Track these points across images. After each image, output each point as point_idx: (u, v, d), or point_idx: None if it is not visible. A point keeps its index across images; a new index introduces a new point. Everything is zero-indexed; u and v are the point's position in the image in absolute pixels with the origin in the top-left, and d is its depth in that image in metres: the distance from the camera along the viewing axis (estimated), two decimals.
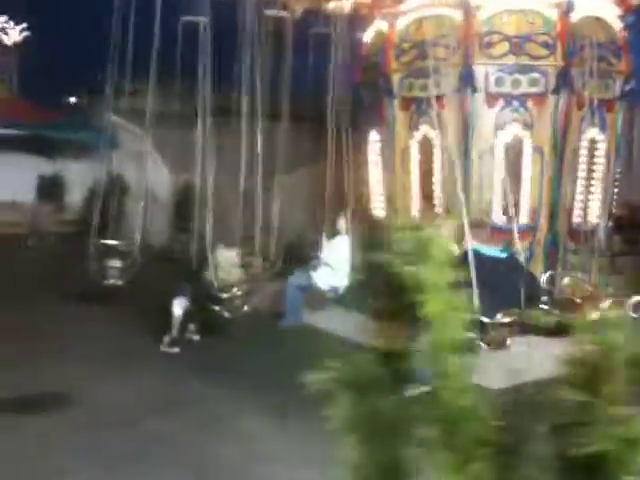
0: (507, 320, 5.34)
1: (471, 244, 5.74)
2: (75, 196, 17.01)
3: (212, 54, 9.27)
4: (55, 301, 8.60)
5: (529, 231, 7.93)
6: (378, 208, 9.27)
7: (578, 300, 7.70)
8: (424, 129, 8.19)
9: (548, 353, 4.76)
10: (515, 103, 7.72)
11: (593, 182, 8.15)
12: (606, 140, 8.05)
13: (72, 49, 23.63)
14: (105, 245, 7.73)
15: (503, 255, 5.52)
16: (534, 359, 5.07)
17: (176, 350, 6.52)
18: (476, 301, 4.74)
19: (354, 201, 9.37)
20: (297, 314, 7.49)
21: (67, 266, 11.44)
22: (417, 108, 8.19)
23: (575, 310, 7.50)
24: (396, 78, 8.27)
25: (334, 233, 8.44)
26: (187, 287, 6.69)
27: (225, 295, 6.52)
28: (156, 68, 8.20)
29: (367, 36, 9.11)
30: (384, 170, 8.87)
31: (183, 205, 15.28)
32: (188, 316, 6.66)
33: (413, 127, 8.29)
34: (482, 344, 5.23)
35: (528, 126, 7.74)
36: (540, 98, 7.68)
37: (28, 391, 5.39)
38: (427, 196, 8.36)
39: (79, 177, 16.78)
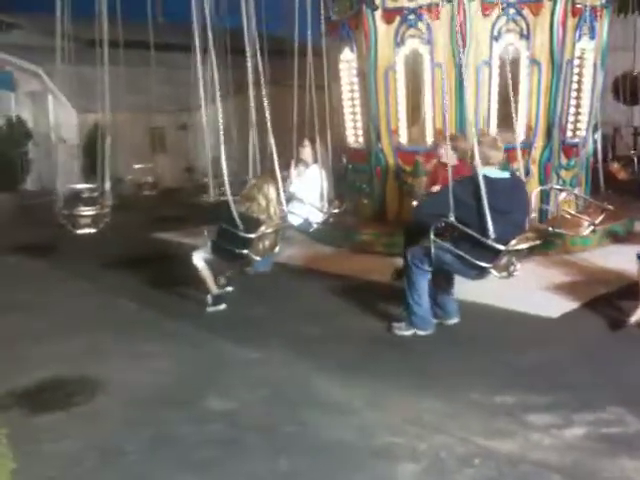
0: (522, 246, 4.78)
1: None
2: None
3: None
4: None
5: (525, 148, 7.58)
6: (352, 135, 8.60)
7: (571, 216, 7.54)
8: (412, 43, 7.52)
9: None
10: (511, 11, 7.21)
11: (582, 94, 7.89)
12: (595, 50, 7.76)
13: None
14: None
15: (506, 175, 4.89)
16: None
17: (223, 307, 5.63)
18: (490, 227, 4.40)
19: (323, 128, 8.64)
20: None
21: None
22: (403, 20, 7.47)
23: (569, 226, 7.31)
24: None
25: (298, 164, 7.67)
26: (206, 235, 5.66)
27: (253, 235, 5.41)
28: None
29: None
30: (362, 91, 8.14)
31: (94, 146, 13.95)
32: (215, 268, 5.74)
33: (399, 42, 7.57)
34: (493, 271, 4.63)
35: (525, 36, 7.28)
36: (537, 5, 7.20)
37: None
38: (416, 117, 7.78)
39: None
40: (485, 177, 4.56)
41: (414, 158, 7.79)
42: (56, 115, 15.07)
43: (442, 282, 5.13)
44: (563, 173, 7.90)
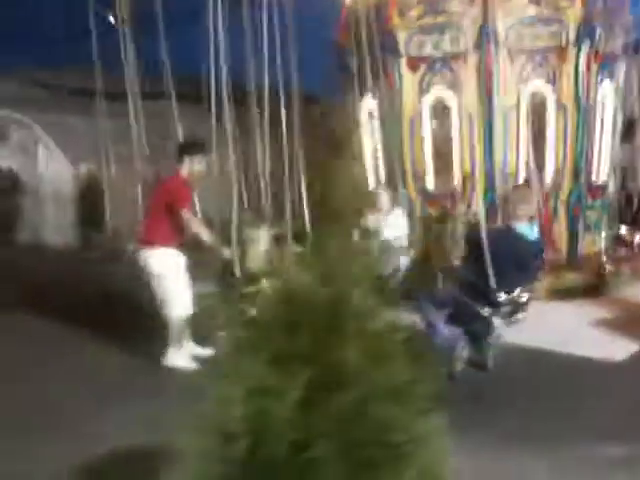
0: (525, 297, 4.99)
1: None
2: None
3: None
4: None
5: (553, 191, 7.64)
6: (374, 181, 8.56)
7: None
8: (437, 91, 7.57)
9: None
10: (537, 58, 7.32)
11: (604, 137, 8.01)
12: (615, 94, 7.92)
13: None
14: None
15: (532, 232, 5.10)
16: None
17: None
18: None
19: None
20: None
21: None
22: (429, 68, 7.53)
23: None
24: (402, 35, 7.55)
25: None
26: None
27: (251, 288, 5.32)
28: None
29: None
30: (384, 138, 8.14)
31: (89, 198, 13.72)
32: None
33: (424, 89, 7.62)
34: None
35: (551, 81, 7.39)
36: (562, 51, 7.34)
37: None
38: (443, 166, 7.78)
39: None
40: (513, 231, 4.84)
41: (440, 204, 7.78)
42: (49, 167, 14.83)
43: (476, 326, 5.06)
44: (589, 214, 7.95)
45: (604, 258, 7.10)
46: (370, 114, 8.31)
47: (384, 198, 6.77)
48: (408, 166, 7.88)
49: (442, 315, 5.02)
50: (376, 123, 8.27)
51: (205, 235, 5.30)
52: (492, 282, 4.69)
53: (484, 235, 4.73)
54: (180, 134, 8.42)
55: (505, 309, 4.94)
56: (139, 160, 10.78)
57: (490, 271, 4.67)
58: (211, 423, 1.29)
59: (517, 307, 5.03)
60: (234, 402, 1.26)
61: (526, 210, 5.08)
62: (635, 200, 9.40)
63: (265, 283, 5.41)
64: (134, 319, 6.37)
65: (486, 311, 4.82)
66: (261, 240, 5.86)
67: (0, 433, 4.14)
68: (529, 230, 5.02)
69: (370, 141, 8.45)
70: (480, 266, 4.75)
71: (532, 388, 4.74)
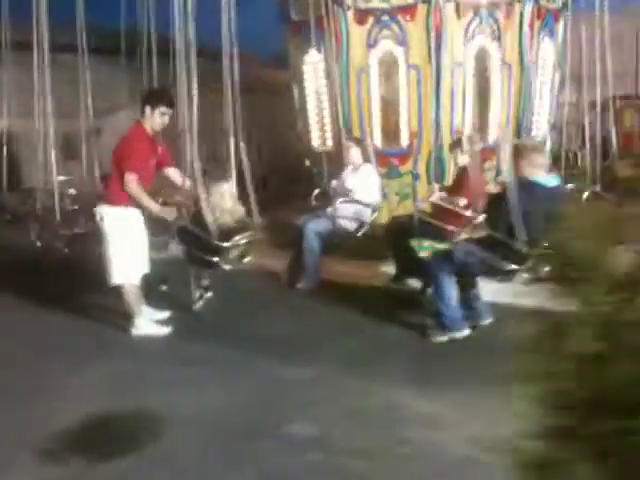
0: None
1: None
2: None
3: None
4: None
5: (494, 149, 7.72)
6: (319, 138, 8.41)
7: None
8: (385, 45, 7.44)
9: None
10: (484, 13, 7.29)
11: (543, 94, 8.15)
12: (554, 51, 8.05)
13: None
14: None
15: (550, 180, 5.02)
16: None
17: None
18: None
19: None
20: (318, 271, 6.28)
21: None
22: (377, 21, 7.38)
23: None
24: None
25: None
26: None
27: (225, 244, 5.12)
28: None
29: None
30: (331, 94, 7.97)
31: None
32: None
33: (372, 43, 7.48)
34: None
35: (496, 38, 7.41)
36: (508, 7, 7.36)
37: None
38: (391, 121, 7.70)
39: None
40: (530, 182, 4.63)
41: (388, 160, 7.75)
42: None
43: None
44: None
45: None
46: (315, 68, 8.12)
47: (355, 153, 6.60)
48: (356, 122, 7.76)
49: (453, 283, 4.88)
50: (322, 79, 8.08)
51: (148, 202, 4.92)
52: (522, 235, 4.40)
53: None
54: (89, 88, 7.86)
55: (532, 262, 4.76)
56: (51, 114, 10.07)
57: (519, 224, 4.41)
58: (540, 396, 1.17)
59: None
60: (567, 375, 1.14)
61: (541, 160, 4.92)
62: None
63: (237, 239, 5.21)
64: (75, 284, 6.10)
65: (511, 266, 4.59)
66: (226, 195, 5.58)
67: None
68: (547, 179, 4.80)
69: (314, 95, 8.27)
70: (503, 221, 4.55)
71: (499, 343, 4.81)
